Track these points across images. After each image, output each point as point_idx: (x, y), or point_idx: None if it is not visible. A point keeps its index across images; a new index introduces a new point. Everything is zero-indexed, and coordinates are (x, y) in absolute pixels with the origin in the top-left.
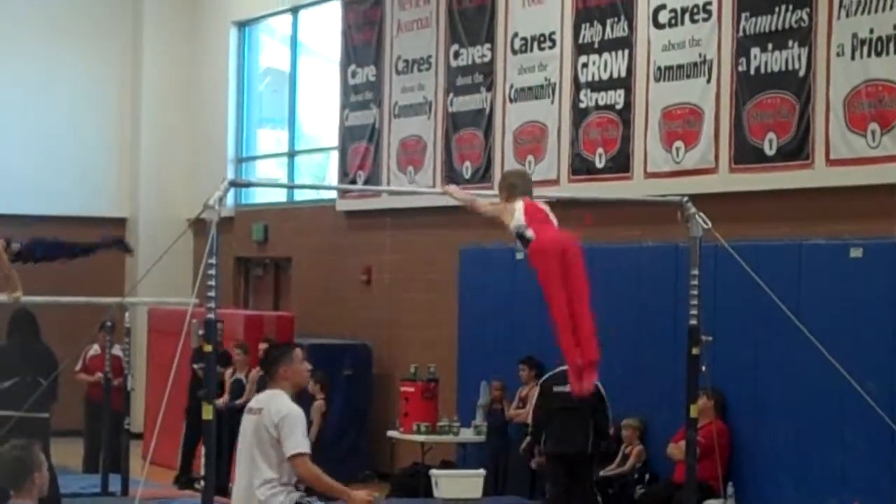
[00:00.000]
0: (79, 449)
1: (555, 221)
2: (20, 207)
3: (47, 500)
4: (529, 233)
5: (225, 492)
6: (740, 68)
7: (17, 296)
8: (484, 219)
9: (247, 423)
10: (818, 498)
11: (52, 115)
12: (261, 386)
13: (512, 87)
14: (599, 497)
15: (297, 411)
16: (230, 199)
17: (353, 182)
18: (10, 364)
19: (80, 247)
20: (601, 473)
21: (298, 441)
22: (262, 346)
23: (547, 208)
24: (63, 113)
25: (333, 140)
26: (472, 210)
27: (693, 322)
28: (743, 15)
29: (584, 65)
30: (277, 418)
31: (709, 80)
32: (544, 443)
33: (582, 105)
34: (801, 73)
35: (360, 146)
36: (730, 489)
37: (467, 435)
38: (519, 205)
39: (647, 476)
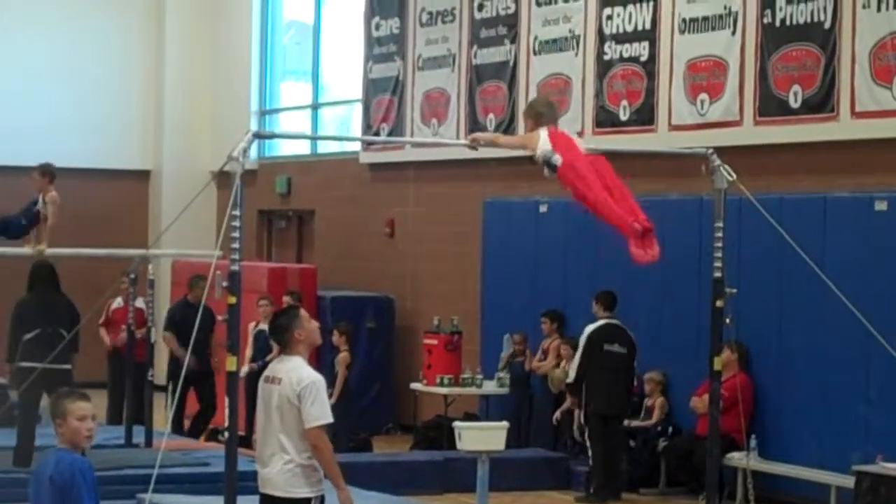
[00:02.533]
0: (102, 401)
1: (582, 148)
2: (42, 160)
3: None
4: (556, 158)
5: (248, 444)
6: (765, 20)
7: (41, 248)
8: (508, 171)
9: (267, 393)
10: (841, 452)
11: (75, 68)
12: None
13: (536, 39)
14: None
15: (318, 379)
16: (253, 152)
17: (377, 135)
18: (32, 316)
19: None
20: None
21: (320, 412)
22: (287, 298)
23: (575, 138)
24: (87, 66)
25: (357, 93)
26: (497, 144)
27: (717, 275)
28: None
29: (609, 17)
30: (299, 388)
31: (734, 33)
32: (588, 401)
33: (606, 57)
34: (827, 24)
35: (383, 99)
36: (753, 442)
37: (490, 387)
38: (543, 133)
39: (669, 429)
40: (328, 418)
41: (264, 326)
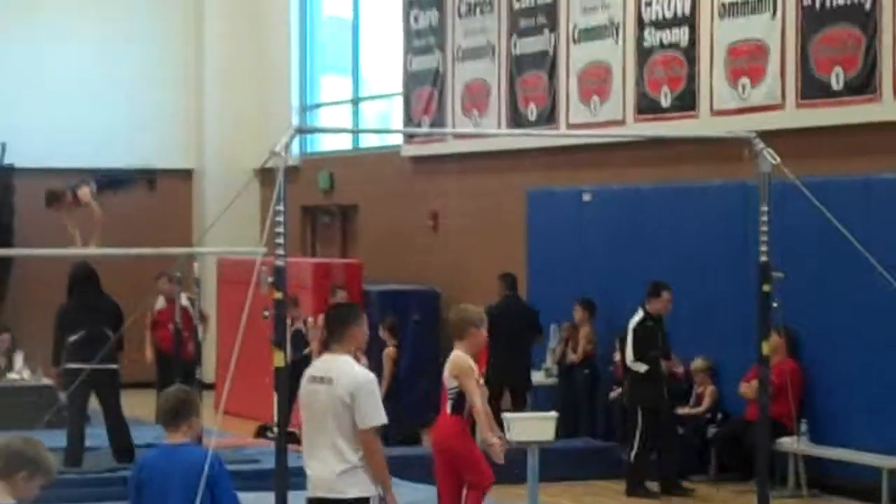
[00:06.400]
0: (151, 400)
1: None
2: (86, 161)
3: (121, 449)
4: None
5: (298, 440)
6: (805, 2)
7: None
8: (550, 161)
9: (317, 393)
10: (892, 434)
11: (116, 69)
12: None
13: (575, 27)
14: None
15: (373, 378)
16: (295, 148)
17: (418, 127)
18: (75, 319)
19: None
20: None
21: (376, 414)
22: (341, 292)
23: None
24: (128, 67)
25: (397, 86)
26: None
27: (763, 259)
28: None
29: (648, 3)
30: (353, 387)
31: (773, 16)
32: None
33: (646, 44)
34: (867, 5)
35: (424, 91)
36: (803, 427)
37: (538, 378)
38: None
39: (719, 415)
40: (382, 419)
41: (300, 326)
